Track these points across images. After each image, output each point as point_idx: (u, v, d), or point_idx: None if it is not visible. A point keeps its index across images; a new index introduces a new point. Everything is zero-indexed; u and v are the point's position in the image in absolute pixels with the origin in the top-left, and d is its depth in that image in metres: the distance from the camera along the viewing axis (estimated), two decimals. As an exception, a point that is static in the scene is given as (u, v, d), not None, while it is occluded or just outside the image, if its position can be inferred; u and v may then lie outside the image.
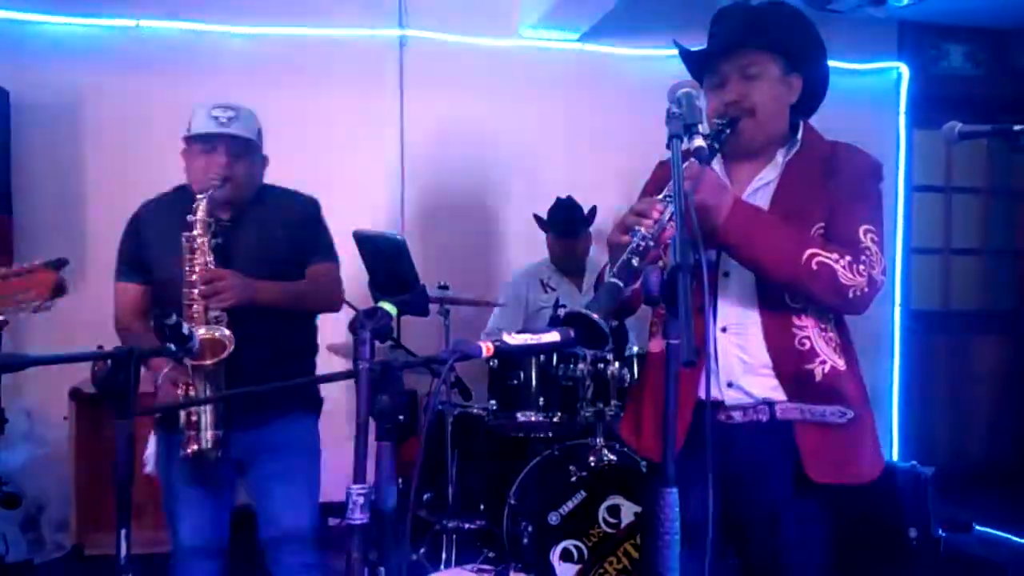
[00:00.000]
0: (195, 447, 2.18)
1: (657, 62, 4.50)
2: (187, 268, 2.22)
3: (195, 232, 2.22)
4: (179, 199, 2.35)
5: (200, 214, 2.22)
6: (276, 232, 2.38)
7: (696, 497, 1.51)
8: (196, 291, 2.20)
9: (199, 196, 2.24)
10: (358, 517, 1.27)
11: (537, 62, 4.61)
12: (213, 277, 2.20)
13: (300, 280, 2.39)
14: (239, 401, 2.27)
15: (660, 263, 1.57)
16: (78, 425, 3.88)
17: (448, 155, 4.52)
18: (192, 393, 2.18)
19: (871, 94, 4.97)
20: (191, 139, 2.33)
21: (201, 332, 2.12)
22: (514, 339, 1.36)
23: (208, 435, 2.18)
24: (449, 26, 4.48)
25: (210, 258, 2.23)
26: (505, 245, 4.48)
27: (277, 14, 4.29)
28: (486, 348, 1.32)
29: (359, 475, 1.26)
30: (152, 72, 4.16)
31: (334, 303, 2.52)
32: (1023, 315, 5.41)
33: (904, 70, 5.08)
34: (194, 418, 2.18)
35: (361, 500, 1.26)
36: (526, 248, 4.10)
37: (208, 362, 2.13)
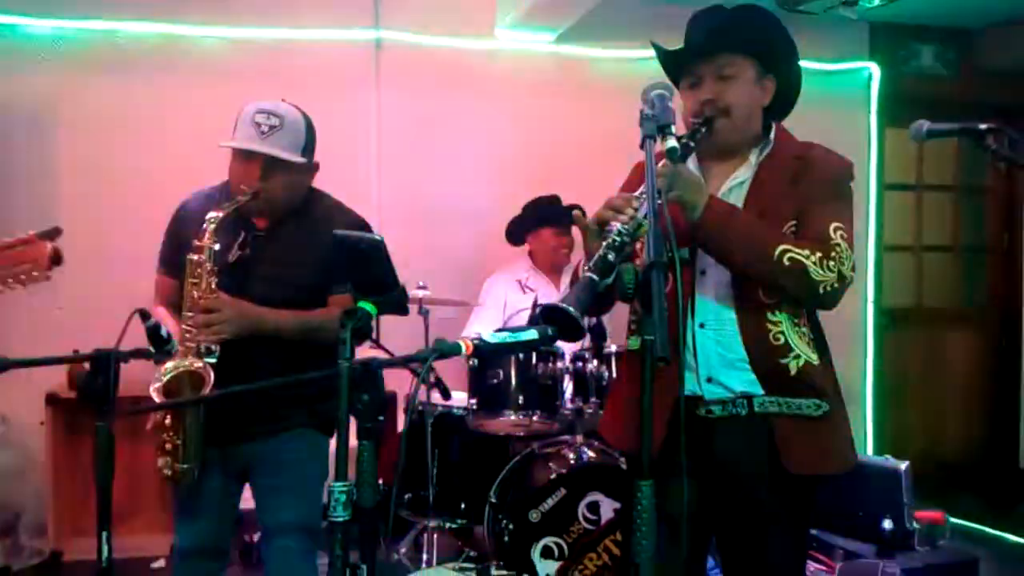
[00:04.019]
0: (168, 472, 2.14)
1: (633, 64, 4.54)
2: (187, 292, 2.15)
3: (200, 256, 2.14)
4: (221, 196, 2.27)
5: (206, 239, 2.14)
6: (307, 253, 2.28)
7: (678, 490, 1.55)
8: (192, 318, 2.13)
9: (208, 217, 2.14)
10: (340, 515, 1.28)
11: (513, 63, 4.63)
12: (208, 308, 2.13)
13: (316, 311, 2.27)
14: (242, 413, 2.22)
15: (637, 261, 1.60)
16: (54, 430, 3.86)
17: (424, 156, 4.53)
18: (174, 437, 2.12)
19: (842, 94, 5.04)
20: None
21: (172, 364, 2.06)
22: (493, 337, 1.38)
23: (180, 467, 2.13)
24: (425, 27, 4.49)
25: (213, 282, 2.14)
26: (482, 246, 4.48)
27: (253, 16, 4.29)
28: (466, 346, 1.34)
29: (340, 473, 1.27)
30: (128, 75, 4.14)
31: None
32: (994, 311, 5.50)
33: (875, 70, 5.15)
34: (168, 446, 2.13)
35: (344, 498, 1.27)
36: (503, 249, 4.12)
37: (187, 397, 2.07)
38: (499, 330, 1.40)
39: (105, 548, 1.60)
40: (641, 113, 1.49)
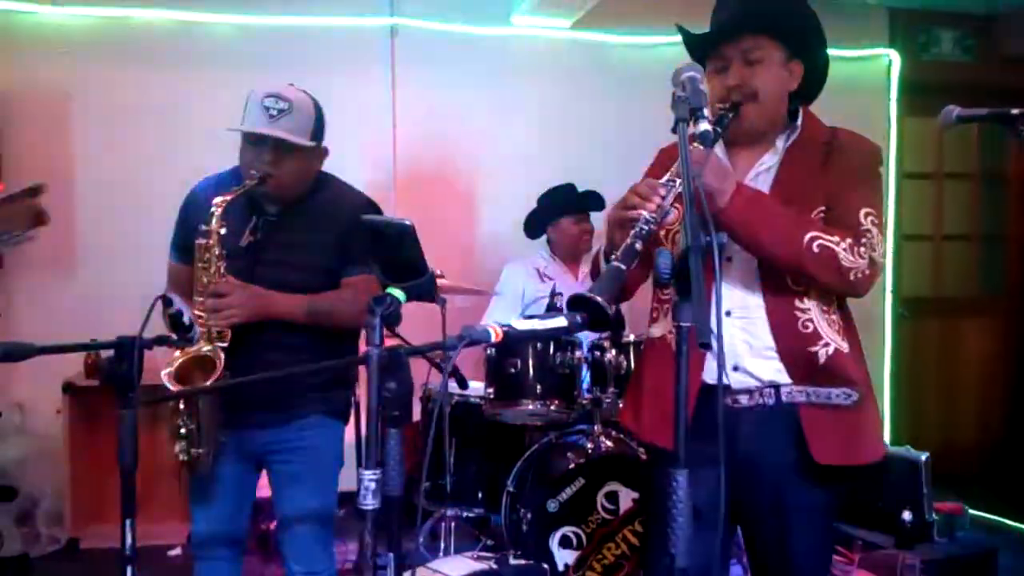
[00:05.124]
0: (183, 458, 2.13)
1: (650, 49, 4.50)
2: (197, 277, 2.15)
3: (208, 241, 2.13)
4: (232, 181, 2.25)
5: (213, 224, 2.13)
6: (318, 236, 2.26)
7: (703, 480, 1.52)
8: (202, 303, 2.12)
9: (215, 202, 2.13)
10: (370, 502, 1.26)
11: (529, 50, 4.60)
12: (218, 292, 2.12)
13: (329, 293, 2.26)
14: (259, 399, 2.21)
15: (672, 248, 1.58)
16: (71, 418, 3.86)
17: (440, 144, 4.51)
18: (188, 422, 2.11)
19: (862, 81, 4.99)
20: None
21: (182, 353, 2.05)
22: (522, 324, 1.36)
23: (196, 452, 2.12)
24: (440, 14, 4.46)
25: (222, 266, 2.14)
26: (499, 234, 4.47)
27: (268, 3, 4.27)
28: (495, 333, 1.32)
29: (371, 460, 1.26)
30: (142, 62, 4.14)
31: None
32: (1013, 300, 5.45)
33: (895, 57, 5.10)
34: (183, 431, 2.11)
35: (373, 485, 1.25)
36: (520, 237, 4.09)
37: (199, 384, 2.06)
38: (528, 317, 1.37)
39: (129, 536, 1.59)
40: (673, 95, 1.45)
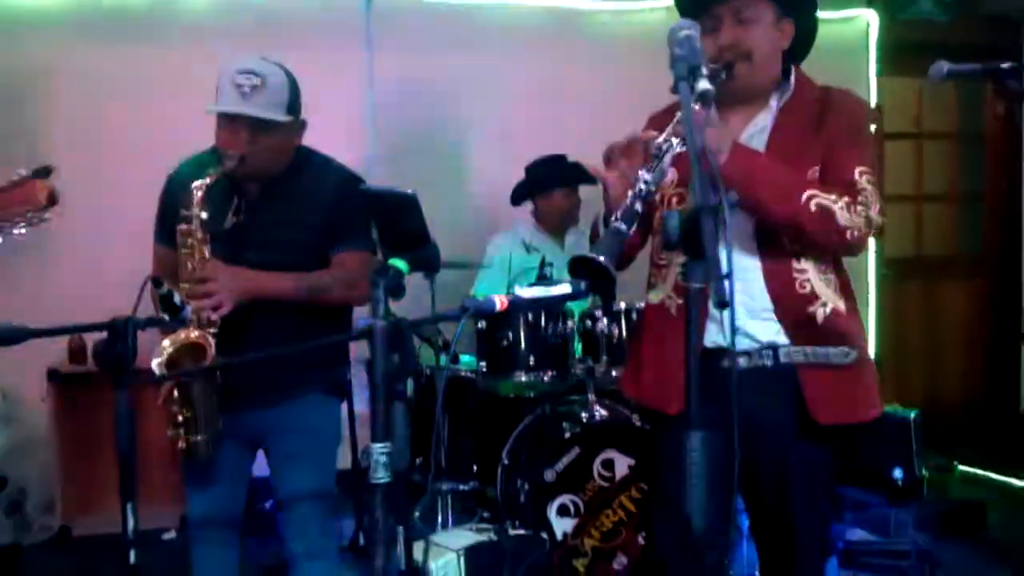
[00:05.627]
0: (182, 445, 2.10)
1: (628, 16, 4.44)
2: (182, 263, 2.10)
3: (189, 226, 2.09)
4: (212, 162, 2.19)
5: (194, 208, 2.08)
6: (302, 214, 2.22)
7: (707, 444, 1.51)
8: (189, 289, 2.08)
9: (195, 185, 2.08)
10: (381, 476, 1.24)
11: (506, 18, 4.53)
12: (203, 277, 2.08)
13: (320, 272, 2.23)
14: (254, 380, 2.18)
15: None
16: (56, 405, 3.82)
17: (417, 114, 4.45)
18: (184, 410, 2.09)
19: (841, 42, 4.95)
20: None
21: (171, 339, 2.03)
22: (527, 292, 1.34)
23: (195, 439, 2.09)
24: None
25: (206, 250, 2.10)
26: (482, 206, 4.43)
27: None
28: (500, 302, 1.30)
29: (380, 434, 1.24)
30: (115, 40, 4.04)
31: (360, 297, 2.22)
32: (994, 259, 5.49)
33: (873, 17, 5.08)
34: (180, 419, 2.09)
35: (384, 459, 1.24)
36: (504, 208, 4.06)
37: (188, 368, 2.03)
38: (531, 285, 1.36)
39: (131, 520, 1.56)
40: (672, 55, 1.43)
